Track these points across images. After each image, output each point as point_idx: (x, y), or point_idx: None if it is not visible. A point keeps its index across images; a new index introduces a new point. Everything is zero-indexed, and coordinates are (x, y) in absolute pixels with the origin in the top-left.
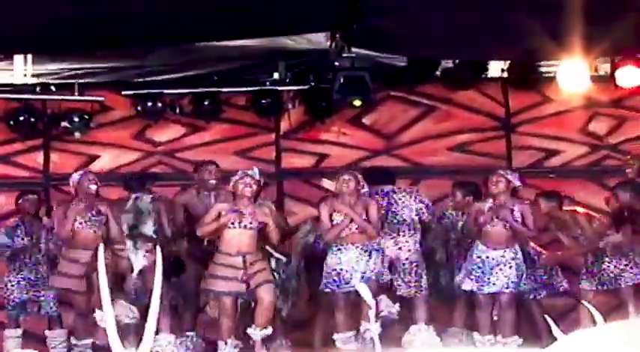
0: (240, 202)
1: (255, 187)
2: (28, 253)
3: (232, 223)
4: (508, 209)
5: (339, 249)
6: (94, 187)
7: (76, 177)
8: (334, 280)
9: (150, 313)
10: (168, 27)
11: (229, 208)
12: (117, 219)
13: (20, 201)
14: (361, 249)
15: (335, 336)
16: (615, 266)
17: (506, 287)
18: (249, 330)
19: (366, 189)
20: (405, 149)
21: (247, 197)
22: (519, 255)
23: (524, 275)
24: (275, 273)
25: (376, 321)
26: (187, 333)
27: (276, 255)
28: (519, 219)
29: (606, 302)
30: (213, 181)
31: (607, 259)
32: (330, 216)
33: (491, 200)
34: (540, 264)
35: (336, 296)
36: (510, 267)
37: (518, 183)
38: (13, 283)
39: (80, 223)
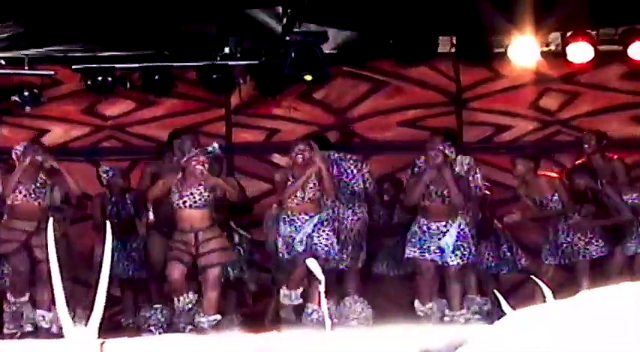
0: (188, 181)
1: (206, 166)
2: None
3: (177, 204)
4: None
5: (291, 220)
6: (39, 158)
7: (19, 148)
8: (286, 247)
9: (99, 287)
10: (121, 8)
11: (175, 188)
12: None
13: None
14: (312, 217)
15: (282, 291)
16: (580, 239)
17: (452, 260)
18: (197, 319)
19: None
20: (356, 124)
21: (196, 176)
22: (462, 226)
23: (471, 249)
24: (239, 248)
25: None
26: (155, 306)
27: (240, 231)
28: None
29: (568, 277)
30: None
31: (570, 232)
32: (285, 184)
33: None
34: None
35: (288, 261)
36: (452, 239)
37: (449, 151)
38: None
39: (24, 195)
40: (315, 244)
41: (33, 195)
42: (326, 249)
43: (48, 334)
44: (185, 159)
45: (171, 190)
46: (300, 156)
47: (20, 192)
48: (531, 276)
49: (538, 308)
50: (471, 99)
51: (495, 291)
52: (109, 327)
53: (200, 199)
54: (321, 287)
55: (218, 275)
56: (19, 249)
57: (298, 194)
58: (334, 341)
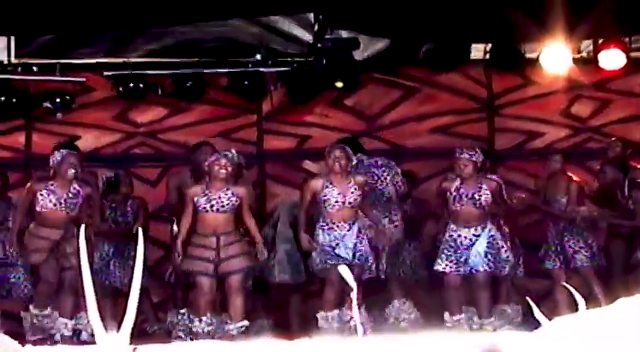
0: (213, 185)
1: (230, 169)
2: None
3: (204, 208)
4: (476, 187)
5: (330, 228)
6: (72, 172)
7: (57, 156)
8: (326, 256)
9: (131, 295)
10: (153, 9)
11: (201, 192)
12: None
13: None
14: (351, 225)
15: (319, 315)
16: (570, 247)
17: (480, 267)
18: (226, 327)
19: (354, 161)
20: (387, 131)
21: (221, 179)
22: (493, 233)
23: (502, 257)
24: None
25: (358, 306)
26: (181, 311)
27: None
28: (488, 197)
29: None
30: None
31: (566, 237)
32: (318, 194)
33: (458, 179)
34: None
35: (328, 272)
36: (482, 246)
37: (479, 158)
38: None
39: (54, 204)
40: (360, 252)
41: (63, 205)
42: (366, 256)
43: (70, 341)
44: (207, 163)
45: (197, 195)
46: (337, 163)
47: (51, 201)
48: (563, 284)
49: (574, 317)
50: (502, 106)
51: (528, 299)
52: (136, 335)
53: (228, 203)
54: (354, 295)
55: (241, 280)
56: (48, 258)
57: (339, 199)
58: (365, 348)
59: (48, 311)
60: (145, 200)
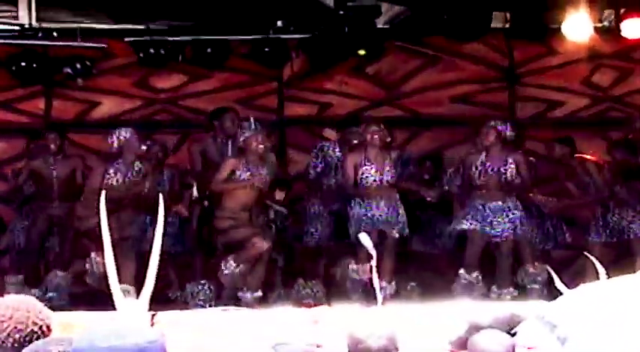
0: (251, 159)
1: (267, 143)
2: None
3: (244, 180)
4: (501, 160)
5: (368, 203)
6: (144, 148)
7: (124, 134)
8: (358, 225)
9: (150, 261)
10: None
11: (244, 167)
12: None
13: (31, 146)
14: (387, 200)
15: (351, 266)
16: (623, 218)
17: (505, 234)
18: (240, 294)
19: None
20: (407, 99)
21: (259, 154)
22: (517, 204)
23: (521, 225)
24: (272, 224)
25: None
26: (201, 281)
27: (276, 207)
28: (513, 171)
29: (614, 254)
30: (233, 129)
31: (616, 210)
32: (356, 167)
33: (484, 152)
34: (547, 213)
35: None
36: (508, 217)
37: (510, 133)
38: (19, 229)
39: (122, 182)
40: (396, 217)
41: (129, 183)
42: (399, 227)
43: None
44: (242, 139)
45: (237, 168)
46: (376, 136)
47: (117, 181)
48: (584, 253)
49: (594, 286)
50: (523, 75)
51: (549, 268)
52: (158, 301)
53: (264, 180)
54: (373, 262)
55: (268, 251)
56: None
57: (376, 176)
58: (384, 316)
59: None
60: (178, 167)
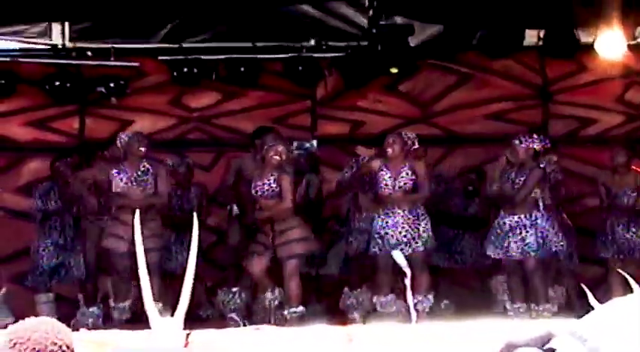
0: (265, 170)
1: (284, 156)
2: (59, 217)
3: (256, 192)
4: (522, 174)
5: (386, 213)
6: (143, 149)
7: (124, 137)
8: (378, 243)
9: (185, 280)
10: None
11: (256, 177)
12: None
13: (56, 164)
14: (408, 212)
15: (375, 299)
16: (637, 235)
17: (526, 253)
18: (280, 311)
19: (416, 146)
20: (441, 117)
21: (273, 165)
22: (539, 220)
23: (547, 241)
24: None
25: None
26: (233, 289)
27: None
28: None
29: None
30: None
31: (633, 229)
32: (376, 175)
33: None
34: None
35: (378, 260)
36: (528, 233)
37: (537, 146)
38: (43, 248)
39: (126, 183)
40: (415, 239)
41: (135, 183)
42: (423, 240)
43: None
44: (265, 148)
45: (253, 179)
46: (389, 148)
47: (122, 180)
48: (618, 270)
49: (626, 300)
50: (556, 93)
51: (582, 285)
52: (190, 320)
53: (270, 189)
54: (407, 281)
55: (296, 265)
56: (124, 244)
57: (389, 182)
58: (419, 334)
59: (128, 303)
60: (205, 186)
